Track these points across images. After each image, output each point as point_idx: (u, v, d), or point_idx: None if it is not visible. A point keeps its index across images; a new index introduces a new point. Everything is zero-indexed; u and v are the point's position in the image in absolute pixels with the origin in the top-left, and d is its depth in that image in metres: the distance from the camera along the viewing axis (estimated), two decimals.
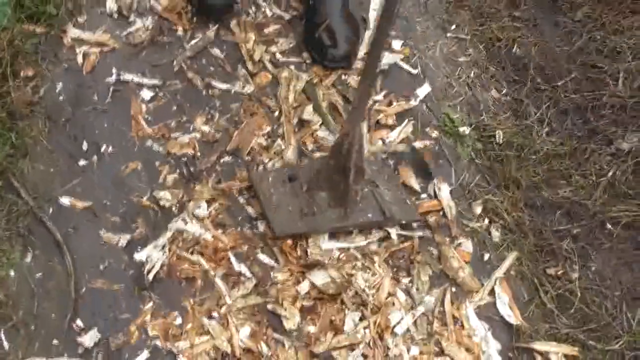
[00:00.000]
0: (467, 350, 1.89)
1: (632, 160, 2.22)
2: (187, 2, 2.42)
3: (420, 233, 2.08)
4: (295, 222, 1.96)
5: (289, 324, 1.87)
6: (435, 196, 2.14)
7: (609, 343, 1.92)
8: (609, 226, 2.13)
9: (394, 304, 1.95)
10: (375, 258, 2.01)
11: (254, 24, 2.45)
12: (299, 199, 1.99)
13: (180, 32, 2.35)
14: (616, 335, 1.93)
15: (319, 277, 1.92)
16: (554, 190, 2.19)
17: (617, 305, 1.98)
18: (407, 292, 1.99)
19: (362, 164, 1.93)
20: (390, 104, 2.35)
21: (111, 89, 2.21)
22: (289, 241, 1.98)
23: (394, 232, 2.06)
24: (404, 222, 2.02)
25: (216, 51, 2.35)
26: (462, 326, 1.94)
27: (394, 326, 1.91)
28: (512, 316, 1.95)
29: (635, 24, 2.56)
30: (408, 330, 1.92)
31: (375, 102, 2.35)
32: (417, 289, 1.98)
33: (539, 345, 1.91)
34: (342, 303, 1.92)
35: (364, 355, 1.87)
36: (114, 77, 2.23)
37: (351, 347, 1.86)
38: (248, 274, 1.92)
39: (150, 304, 1.87)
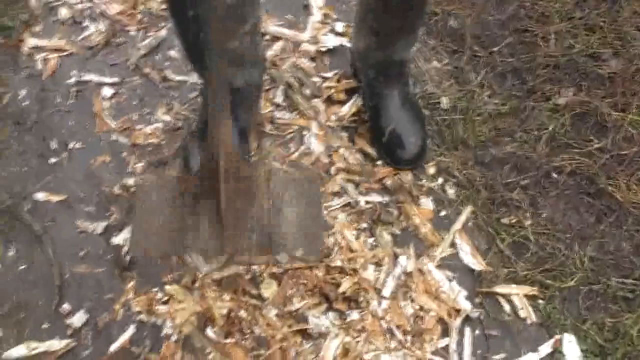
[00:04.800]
0: (436, 298, 1.93)
1: (569, 113, 2.26)
2: None
3: (380, 198, 2.11)
4: (161, 241, 1.71)
5: (266, 292, 1.91)
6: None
7: (564, 281, 1.95)
8: (554, 175, 2.17)
9: (365, 265, 1.99)
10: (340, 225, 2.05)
11: None
12: (176, 213, 1.72)
13: (133, 32, 2.41)
14: (570, 272, 1.97)
15: None
16: (500, 147, 2.22)
17: (568, 246, 2.02)
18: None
19: (247, 174, 1.70)
20: (339, 81, 2.39)
21: (73, 90, 2.27)
22: None
23: (361, 199, 2.10)
24: (297, 255, 1.79)
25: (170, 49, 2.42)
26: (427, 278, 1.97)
27: (367, 283, 1.95)
28: (476, 263, 2.00)
29: None
30: (380, 286, 1.96)
31: (324, 79, 2.40)
32: (379, 246, 2.03)
33: (500, 289, 1.95)
34: (316, 268, 1.97)
35: (339, 311, 1.91)
36: (74, 79, 2.29)
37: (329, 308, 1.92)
38: None
39: (132, 283, 1.92)
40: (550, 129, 2.27)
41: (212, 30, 1.41)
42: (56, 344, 1.84)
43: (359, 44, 2.18)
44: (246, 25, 1.89)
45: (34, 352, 1.83)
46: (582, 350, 1.87)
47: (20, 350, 1.83)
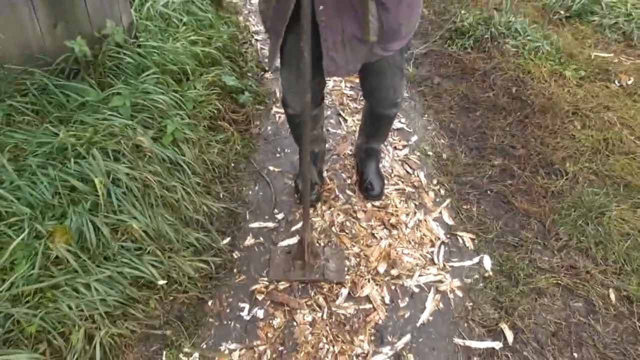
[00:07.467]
0: (431, 231, 2.19)
1: (499, 168, 2.48)
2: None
3: (412, 189, 2.33)
4: (282, 274, 1.92)
5: (359, 215, 2.21)
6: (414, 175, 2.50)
7: (488, 235, 2.15)
8: (489, 192, 2.37)
9: (402, 213, 2.24)
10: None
11: None
12: (287, 262, 1.95)
13: None
14: (491, 231, 2.15)
15: None
16: (467, 177, 2.44)
17: (491, 221, 2.21)
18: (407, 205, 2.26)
19: (317, 250, 1.94)
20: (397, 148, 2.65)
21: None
22: None
23: (406, 189, 2.36)
24: (335, 281, 1.94)
25: None
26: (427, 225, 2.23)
27: (402, 220, 2.20)
28: (450, 221, 2.24)
29: (501, 120, 2.87)
30: (407, 222, 2.19)
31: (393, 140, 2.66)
32: (409, 207, 2.28)
33: (459, 233, 2.17)
34: (382, 210, 2.23)
35: (389, 229, 2.14)
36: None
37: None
38: None
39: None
40: (489, 173, 2.49)
41: (304, 126, 1.62)
42: (271, 225, 2.13)
43: (358, 140, 2.29)
44: (319, 124, 2.07)
45: (262, 226, 2.11)
46: (492, 264, 2.07)
47: (256, 224, 2.11)
